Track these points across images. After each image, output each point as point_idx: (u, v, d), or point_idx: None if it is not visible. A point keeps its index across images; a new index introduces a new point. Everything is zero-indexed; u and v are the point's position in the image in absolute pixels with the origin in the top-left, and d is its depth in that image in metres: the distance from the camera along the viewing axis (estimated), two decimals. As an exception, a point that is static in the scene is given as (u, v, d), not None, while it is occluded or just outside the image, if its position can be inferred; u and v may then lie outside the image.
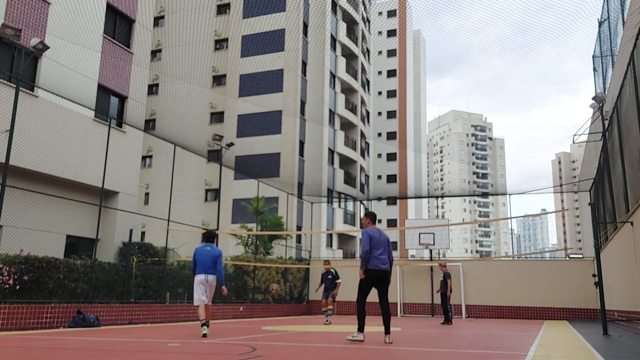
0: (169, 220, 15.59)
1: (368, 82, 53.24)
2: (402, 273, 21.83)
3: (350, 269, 22.58)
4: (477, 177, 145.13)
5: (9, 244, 12.07)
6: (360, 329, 7.76)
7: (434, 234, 21.46)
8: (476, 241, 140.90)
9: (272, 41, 37.90)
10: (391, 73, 70.43)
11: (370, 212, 8.37)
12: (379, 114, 68.37)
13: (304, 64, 38.40)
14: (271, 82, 37.28)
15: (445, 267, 16.09)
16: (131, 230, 15.19)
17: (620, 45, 12.77)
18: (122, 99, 18.64)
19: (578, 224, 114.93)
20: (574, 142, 16.22)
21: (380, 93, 69.21)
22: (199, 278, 8.91)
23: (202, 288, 8.91)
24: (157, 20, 40.49)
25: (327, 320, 14.32)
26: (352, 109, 45.02)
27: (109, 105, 17.96)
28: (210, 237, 9.32)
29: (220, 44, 39.83)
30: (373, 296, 8.00)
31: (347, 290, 21.94)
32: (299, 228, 33.21)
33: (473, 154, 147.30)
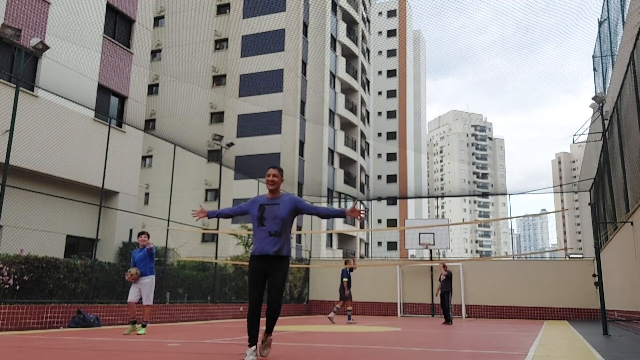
0: (169, 220, 15.59)
1: (368, 82, 53.24)
2: (402, 273, 21.83)
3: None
4: (477, 177, 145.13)
5: (9, 244, 12.07)
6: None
7: (434, 234, 21.46)
8: (476, 241, 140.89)
9: (272, 41, 37.90)
10: (391, 73, 70.43)
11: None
12: (379, 114, 68.38)
13: (304, 64, 38.39)
14: (271, 82, 37.28)
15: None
16: (131, 230, 15.18)
17: (620, 45, 12.77)
18: (122, 99, 18.64)
19: (578, 224, 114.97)
20: (574, 142, 16.23)
21: (380, 93, 69.20)
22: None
23: None
24: (157, 20, 40.49)
25: (351, 320, 15.04)
26: (352, 109, 45.02)
27: (109, 105, 17.96)
28: None
29: (220, 44, 39.83)
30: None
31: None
32: (299, 228, 33.20)
33: (473, 154, 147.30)
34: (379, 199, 48.86)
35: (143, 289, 9.32)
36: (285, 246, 5.35)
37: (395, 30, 72.12)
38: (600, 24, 17.68)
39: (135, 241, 16.74)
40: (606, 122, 13.21)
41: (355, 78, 46.05)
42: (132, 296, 9.25)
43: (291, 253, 5.43)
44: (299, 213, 5.47)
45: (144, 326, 9.24)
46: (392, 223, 63.54)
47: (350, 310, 15.45)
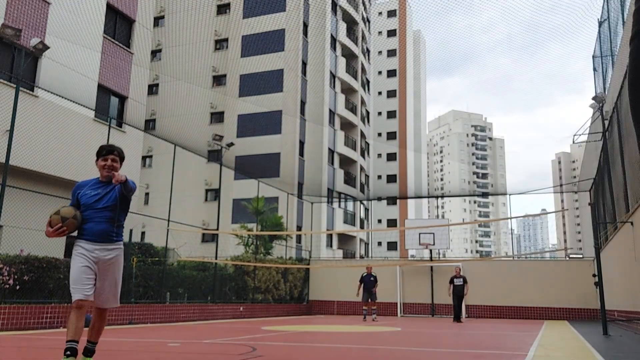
0: (169, 220, 15.58)
1: (368, 82, 53.23)
2: (402, 273, 21.83)
3: (351, 269, 22.58)
4: (477, 177, 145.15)
5: (9, 244, 12.06)
6: None
7: (434, 234, 21.45)
8: (476, 241, 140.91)
9: (272, 41, 37.90)
10: (391, 73, 70.41)
11: None
12: (379, 114, 68.37)
13: (304, 64, 38.39)
14: (271, 82, 37.28)
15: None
16: (131, 230, 15.16)
17: (620, 45, 12.77)
18: (122, 99, 18.64)
19: (578, 224, 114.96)
20: (574, 142, 16.23)
21: (380, 93, 69.18)
22: None
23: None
24: (157, 20, 40.48)
25: (374, 319, 16.64)
26: (352, 109, 45.02)
27: (109, 105, 17.96)
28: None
29: (220, 44, 39.83)
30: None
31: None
32: (299, 228, 33.21)
33: (473, 154, 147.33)
34: (379, 199, 48.89)
35: (109, 273, 4.23)
36: None
37: (395, 30, 72.10)
38: (600, 24, 17.67)
39: (135, 240, 16.74)
40: (606, 122, 13.22)
41: (355, 78, 46.04)
42: (87, 284, 4.12)
43: None
44: None
45: (91, 354, 4.46)
46: (392, 223, 63.52)
47: (368, 308, 17.05)
